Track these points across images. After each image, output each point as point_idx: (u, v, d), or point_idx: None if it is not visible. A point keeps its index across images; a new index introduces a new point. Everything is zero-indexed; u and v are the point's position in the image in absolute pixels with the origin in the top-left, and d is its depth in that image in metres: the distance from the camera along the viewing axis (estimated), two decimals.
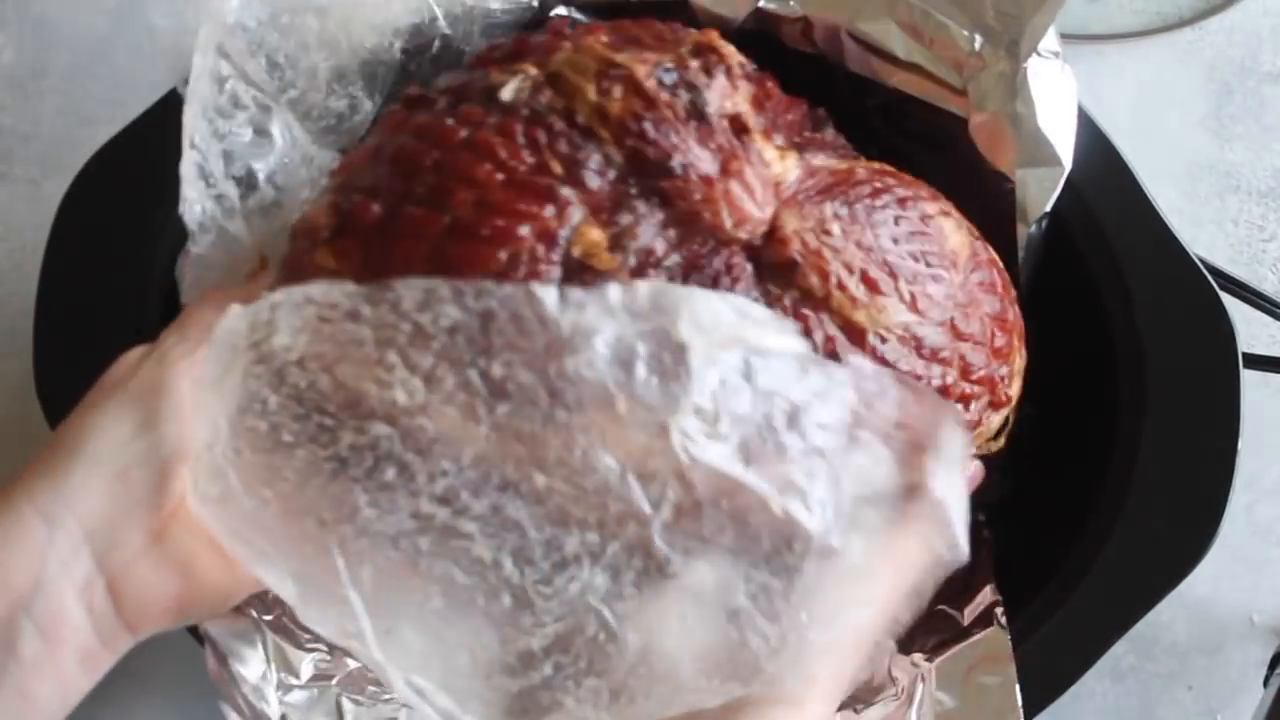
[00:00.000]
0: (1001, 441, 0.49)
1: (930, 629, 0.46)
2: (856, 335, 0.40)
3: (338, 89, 0.43)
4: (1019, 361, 0.46)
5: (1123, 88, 0.66)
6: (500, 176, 0.37)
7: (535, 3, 0.47)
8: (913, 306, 0.40)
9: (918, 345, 0.41)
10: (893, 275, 0.40)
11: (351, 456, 0.31)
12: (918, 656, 0.45)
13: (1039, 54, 0.44)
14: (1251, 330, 0.61)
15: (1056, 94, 0.45)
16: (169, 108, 0.46)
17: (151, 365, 0.36)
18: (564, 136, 0.37)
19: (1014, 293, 0.46)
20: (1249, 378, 0.45)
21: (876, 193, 0.41)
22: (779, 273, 0.39)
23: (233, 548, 0.34)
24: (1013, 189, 0.45)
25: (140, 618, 0.35)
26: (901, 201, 0.41)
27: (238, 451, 0.32)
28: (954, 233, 0.43)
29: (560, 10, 0.48)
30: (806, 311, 0.39)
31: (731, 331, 0.31)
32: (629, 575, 0.31)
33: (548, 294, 0.30)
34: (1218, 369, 0.45)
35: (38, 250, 0.47)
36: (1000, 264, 0.46)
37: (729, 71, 0.39)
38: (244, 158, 0.40)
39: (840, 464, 0.32)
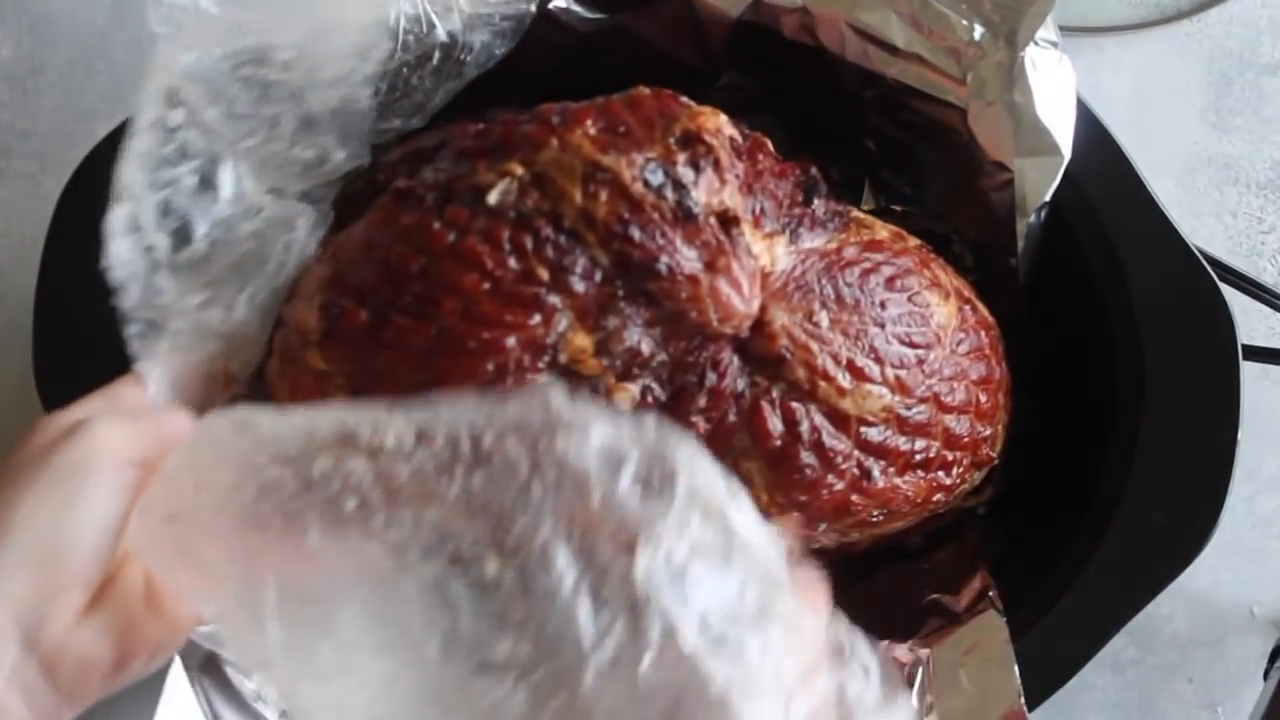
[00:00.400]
0: (987, 494, 0.50)
1: (926, 618, 0.46)
2: (842, 422, 0.41)
3: (304, 139, 0.42)
4: (1004, 416, 0.47)
5: (1121, 80, 0.66)
6: (487, 286, 0.38)
7: (533, 8, 0.46)
8: (898, 389, 0.42)
9: (901, 424, 0.42)
10: (879, 361, 0.41)
11: (320, 480, 0.30)
12: (915, 643, 0.45)
13: (1036, 43, 0.44)
14: (1250, 322, 0.61)
15: (1055, 83, 0.45)
16: None
17: (80, 441, 0.34)
18: (550, 241, 0.38)
19: (1002, 347, 0.47)
20: (1248, 369, 0.45)
21: (865, 274, 0.42)
22: (766, 365, 0.40)
23: (173, 572, 0.33)
24: (1011, 179, 0.45)
25: (77, 689, 0.34)
26: (889, 281, 0.43)
27: (214, 464, 0.32)
28: (940, 306, 0.44)
29: (560, 2, 0.48)
30: (794, 404, 0.41)
31: (719, 505, 0.30)
32: (546, 713, 0.29)
33: (559, 391, 0.30)
34: (1217, 360, 0.45)
35: (37, 245, 0.47)
36: (990, 321, 0.47)
37: (717, 164, 0.39)
38: (182, 209, 0.39)
39: (791, 692, 0.30)
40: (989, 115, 0.45)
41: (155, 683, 0.42)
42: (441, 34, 0.45)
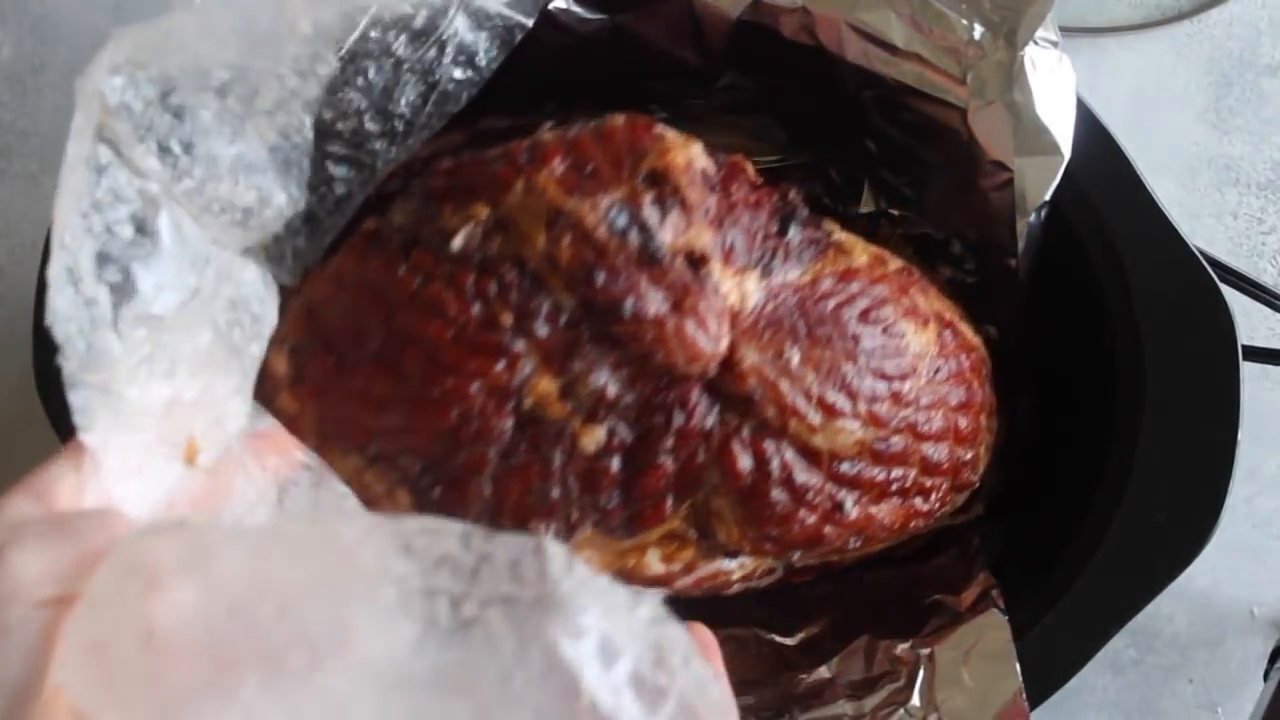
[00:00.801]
0: (974, 511, 0.50)
1: (928, 618, 0.46)
2: (813, 457, 0.42)
3: (244, 180, 0.37)
4: (987, 437, 0.47)
5: (1121, 81, 0.66)
6: (450, 333, 0.38)
7: (483, 77, 0.44)
8: (871, 422, 0.42)
9: (875, 456, 0.43)
10: (851, 396, 0.41)
11: (268, 625, 0.27)
12: (916, 641, 0.45)
13: (1036, 42, 0.44)
14: (1251, 323, 0.61)
15: (1055, 82, 0.45)
16: None
17: None
18: (514, 286, 0.38)
19: (986, 369, 0.47)
20: (1248, 370, 0.45)
21: (838, 308, 0.42)
22: (736, 404, 0.40)
23: (103, 711, 0.28)
24: (1011, 178, 0.45)
25: None
26: (864, 314, 0.43)
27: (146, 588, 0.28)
28: (916, 335, 0.44)
29: (560, 2, 0.48)
30: (764, 441, 0.41)
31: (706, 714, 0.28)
32: None
33: (556, 551, 0.27)
34: (1217, 361, 0.45)
35: (37, 246, 0.47)
36: (973, 344, 0.47)
37: (684, 204, 0.39)
38: (122, 259, 0.34)
39: None
40: (989, 115, 0.45)
41: None
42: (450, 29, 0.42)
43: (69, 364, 0.32)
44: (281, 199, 0.39)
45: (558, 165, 0.39)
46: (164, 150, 0.35)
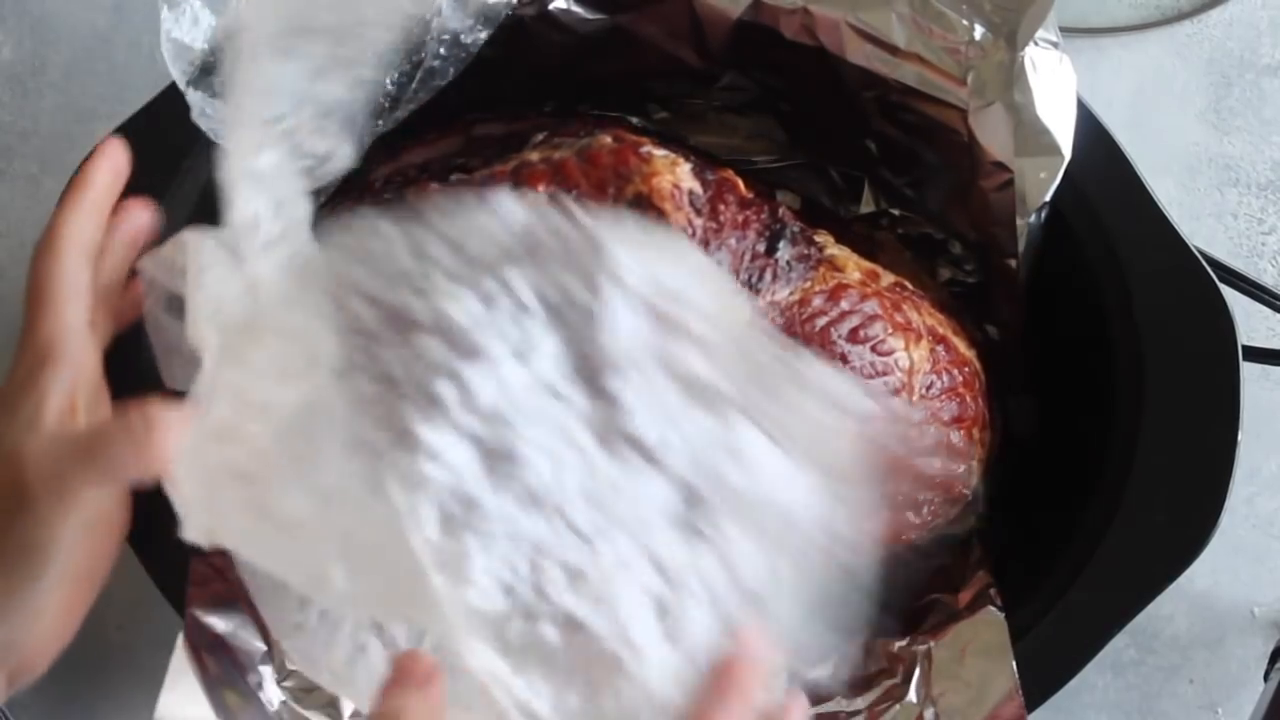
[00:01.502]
0: (970, 522, 0.50)
1: (926, 614, 0.46)
2: None
3: (324, 127, 0.39)
4: (980, 451, 0.47)
5: (1122, 81, 0.66)
6: None
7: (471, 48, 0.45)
8: None
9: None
10: None
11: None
12: (914, 638, 0.45)
13: (1036, 43, 0.44)
14: (1251, 323, 0.61)
15: (1055, 83, 0.45)
16: (167, 105, 0.46)
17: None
18: None
19: (980, 382, 0.47)
20: (1248, 370, 0.45)
21: (827, 327, 0.42)
22: None
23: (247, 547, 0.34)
24: (1011, 179, 0.45)
25: None
26: (853, 333, 0.43)
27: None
28: (907, 352, 0.44)
29: (560, 3, 0.48)
30: None
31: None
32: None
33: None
34: (1217, 361, 0.45)
35: None
36: (966, 358, 0.47)
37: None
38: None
39: None
40: (989, 115, 0.45)
41: (159, 670, 0.42)
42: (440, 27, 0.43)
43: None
44: (346, 151, 0.40)
45: (542, 191, 0.39)
46: (265, 93, 0.37)
